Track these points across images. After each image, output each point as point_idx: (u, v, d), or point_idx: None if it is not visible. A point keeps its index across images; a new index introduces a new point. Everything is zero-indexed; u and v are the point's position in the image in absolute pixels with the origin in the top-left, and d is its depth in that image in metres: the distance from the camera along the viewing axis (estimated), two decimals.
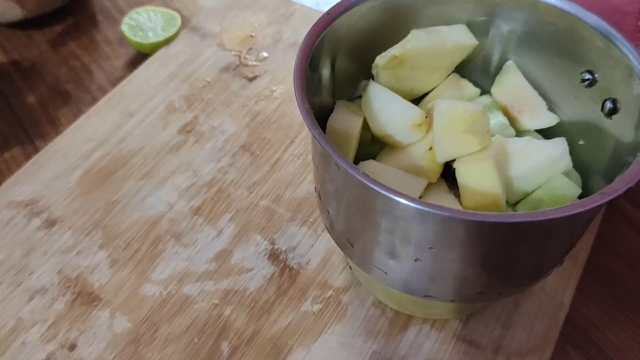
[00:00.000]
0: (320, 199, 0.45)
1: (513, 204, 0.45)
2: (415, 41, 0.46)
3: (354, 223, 0.41)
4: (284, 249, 0.54)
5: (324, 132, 0.44)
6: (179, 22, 0.73)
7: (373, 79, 0.47)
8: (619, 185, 0.34)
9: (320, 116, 0.45)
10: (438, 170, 0.44)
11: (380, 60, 0.46)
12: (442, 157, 0.43)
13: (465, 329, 0.49)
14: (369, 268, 0.43)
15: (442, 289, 0.41)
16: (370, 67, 0.47)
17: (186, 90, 0.66)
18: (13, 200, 0.57)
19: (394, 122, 0.45)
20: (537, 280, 0.43)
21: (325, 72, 0.46)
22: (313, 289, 0.51)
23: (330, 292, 0.51)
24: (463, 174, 0.41)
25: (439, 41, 0.47)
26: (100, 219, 0.55)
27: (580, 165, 0.46)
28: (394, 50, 0.46)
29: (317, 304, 0.51)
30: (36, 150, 0.63)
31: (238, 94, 0.66)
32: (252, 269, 0.52)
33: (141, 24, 0.72)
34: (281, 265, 0.53)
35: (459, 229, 0.35)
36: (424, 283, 0.41)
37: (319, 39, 0.42)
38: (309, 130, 0.37)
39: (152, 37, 0.71)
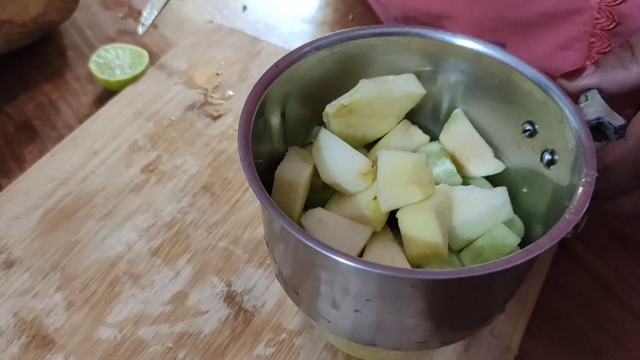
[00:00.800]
0: (267, 246, 0.46)
1: (457, 251, 0.46)
2: (363, 91, 0.47)
3: (297, 273, 0.42)
4: (240, 291, 0.54)
5: (273, 180, 0.46)
6: (146, 59, 0.75)
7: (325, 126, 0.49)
8: (545, 242, 0.36)
9: (271, 163, 0.47)
10: (382, 219, 0.45)
11: (330, 109, 0.48)
12: (385, 207, 0.44)
13: None
14: (315, 316, 0.44)
15: (385, 338, 0.42)
16: (322, 117, 0.49)
17: (151, 129, 0.67)
18: None
19: (342, 171, 0.46)
20: (478, 329, 0.44)
21: (275, 120, 0.47)
22: (267, 332, 0.52)
23: (284, 335, 0.52)
24: (405, 224, 0.43)
25: (387, 90, 0.48)
26: (58, 260, 0.56)
27: (524, 212, 0.47)
28: (343, 100, 0.47)
29: (270, 347, 0.51)
30: (0, 188, 0.63)
31: (202, 132, 0.67)
32: (207, 312, 0.53)
33: (109, 62, 0.74)
34: (236, 307, 0.54)
35: (391, 284, 0.36)
36: (366, 333, 0.42)
37: (268, 90, 0.44)
38: (250, 186, 0.38)
39: (120, 75, 0.72)
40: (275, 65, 0.45)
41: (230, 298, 0.54)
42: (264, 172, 0.46)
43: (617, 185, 0.45)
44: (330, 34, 0.47)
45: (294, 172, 0.46)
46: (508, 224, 0.46)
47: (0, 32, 0.73)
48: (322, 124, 0.49)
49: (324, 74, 0.48)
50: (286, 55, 0.46)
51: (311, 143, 0.50)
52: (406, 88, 0.49)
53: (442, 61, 0.49)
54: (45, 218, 0.59)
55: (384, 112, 0.49)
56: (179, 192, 0.62)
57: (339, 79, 0.49)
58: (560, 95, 0.43)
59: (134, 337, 0.51)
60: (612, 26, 0.52)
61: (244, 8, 0.88)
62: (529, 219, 0.47)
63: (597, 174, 0.39)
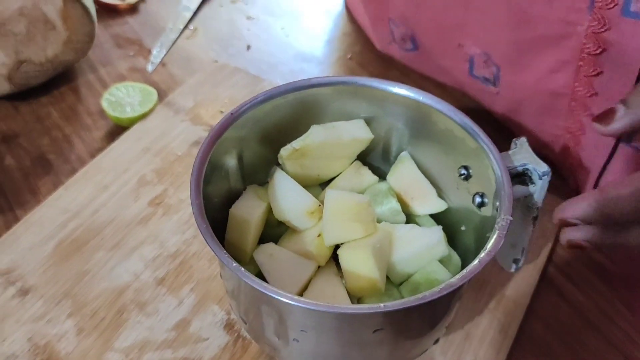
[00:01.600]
0: (221, 276, 0.50)
1: (398, 285, 0.50)
2: (313, 136, 0.52)
3: (242, 303, 0.46)
4: None
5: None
6: (155, 97, 0.79)
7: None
8: (457, 281, 0.39)
9: (228, 201, 0.51)
10: (326, 254, 0.49)
11: (284, 152, 0.52)
12: (328, 241, 0.48)
13: None
14: (261, 343, 0.48)
15: None
16: (278, 159, 0.53)
17: (158, 163, 0.72)
18: None
19: (292, 209, 0.50)
20: (411, 357, 0.48)
21: (231, 162, 0.51)
22: (264, 359, 0.56)
23: None
24: (345, 260, 0.47)
25: (336, 135, 0.53)
26: (70, 288, 0.60)
27: (463, 249, 0.52)
28: (295, 144, 0.52)
29: None
30: (16, 218, 0.68)
31: None
32: (208, 338, 0.57)
33: (120, 99, 0.78)
34: (235, 335, 0.57)
35: (318, 317, 0.40)
36: None
37: (223, 137, 0.48)
38: (196, 223, 0.42)
39: (130, 112, 0.77)
40: (231, 113, 0.49)
41: (229, 326, 0.58)
42: (223, 210, 0.51)
43: (626, 217, 0.47)
44: (283, 84, 0.52)
45: (248, 209, 0.50)
46: (446, 259, 0.50)
47: (19, 70, 0.78)
48: (278, 165, 0.54)
49: (279, 119, 0.53)
50: (241, 104, 0.50)
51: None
52: (355, 133, 0.53)
53: (388, 108, 0.53)
54: (58, 248, 0.63)
55: (335, 154, 0.54)
56: (184, 225, 0.66)
57: (295, 123, 0.53)
58: (488, 144, 0.47)
59: None
60: (598, 51, 0.56)
61: (248, 47, 0.93)
62: (467, 255, 0.51)
63: (511, 219, 0.43)
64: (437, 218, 0.54)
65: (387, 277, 0.49)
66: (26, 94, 0.82)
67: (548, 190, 0.49)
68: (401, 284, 0.50)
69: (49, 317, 0.58)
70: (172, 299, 0.59)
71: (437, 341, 0.48)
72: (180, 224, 0.66)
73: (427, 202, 0.53)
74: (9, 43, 0.75)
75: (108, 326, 0.57)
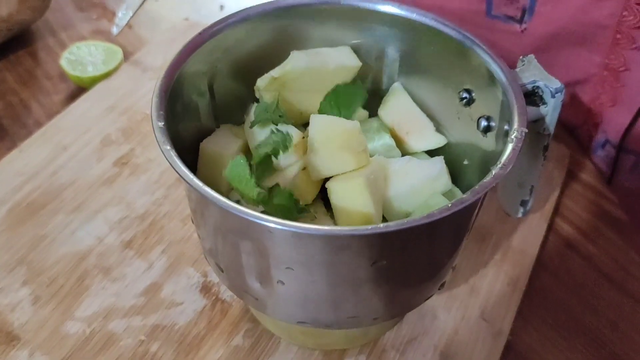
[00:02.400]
0: (193, 222, 0.43)
1: None
2: (294, 62, 0.45)
3: (219, 246, 0.40)
4: (216, 281, 0.52)
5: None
6: (120, 55, 0.73)
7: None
8: (468, 196, 0.34)
9: (198, 141, 0.45)
10: (313, 190, 0.43)
11: (261, 82, 0.46)
12: (316, 175, 0.42)
13: (402, 359, 0.48)
14: (241, 294, 0.41)
15: (312, 313, 0.39)
16: (254, 91, 0.47)
17: (124, 122, 0.65)
18: None
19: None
20: (409, 305, 0.42)
21: (202, 95, 0.45)
22: (245, 323, 0.49)
23: (262, 325, 0.49)
24: (335, 194, 0.40)
25: (320, 62, 0.46)
26: (25, 255, 0.53)
27: (467, 185, 0.45)
28: (274, 72, 0.46)
29: (249, 337, 0.48)
30: None
31: None
32: (182, 303, 0.50)
33: (81, 58, 0.71)
34: (213, 298, 0.51)
35: (308, 245, 0.34)
36: (293, 308, 0.39)
37: (189, 60, 0.42)
38: (159, 148, 0.35)
39: (92, 71, 0.70)
40: (199, 33, 0.43)
41: (206, 289, 0.51)
42: (193, 153, 0.44)
43: None
44: (258, 4, 0.45)
45: (221, 145, 0.44)
46: (448, 195, 0.44)
47: None
48: (256, 101, 0.47)
49: (254, 47, 0.46)
50: (211, 24, 0.44)
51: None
52: (341, 60, 0.47)
53: (377, 32, 0.47)
54: (12, 213, 0.56)
55: (319, 86, 0.47)
56: (153, 184, 0.59)
57: (271, 52, 0.47)
58: (491, 56, 0.42)
59: (104, 330, 0.48)
60: None
61: (221, 7, 0.87)
62: None
63: (526, 130, 0.37)
64: (434, 155, 0.48)
65: (383, 217, 0.43)
66: None
67: (555, 135, 0.43)
68: None
69: (0, 286, 0.51)
70: (140, 263, 0.53)
71: (442, 286, 0.42)
72: (149, 184, 0.59)
73: (424, 137, 0.47)
74: None
75: (68, 294, 0.51)
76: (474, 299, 0.51)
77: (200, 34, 0.43)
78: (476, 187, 0.34)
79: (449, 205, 0.32)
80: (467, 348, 0.48)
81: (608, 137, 0.63)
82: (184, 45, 0.42)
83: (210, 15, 0.86)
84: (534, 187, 0.49)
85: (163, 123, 0.37)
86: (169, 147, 0.35)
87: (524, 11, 0.63)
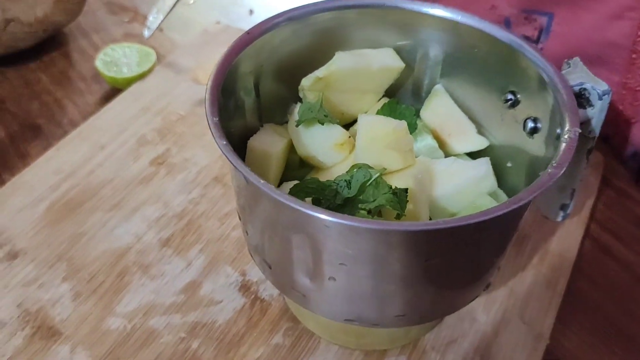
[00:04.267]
0: (240, 218, 0.43)
1: None
2: (339, 62, 0.46)
3: (268, 242, 0.40)
4: (255, 280, 0.52)
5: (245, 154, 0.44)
6: (154, 57, 0.73)
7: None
8: (524, 194, 0.34)
9: (244, 139, 0.45)
10: None
11: (306, 82, 0.46)
12: None
13: None
14: (288, 291, 0.41)
15: (361, 311, 0.39)
16: (298, 91, 0.47)
17: (159, 123, 0.65)
18: None
19: (317, 143, 0.44)
20: (458, 303, 0.42)
21: (249, 94, 0.46)
22: (285, 322, 0.49)
23: (303, 324, 0.49)
24: None
25: (364, 63, 0.47)
26: (65, 251, 0.53)
27: (510, 187, 0.46)
28: (319, 72, 0.46)
29: (289, 336, 0.48)
30: (3, 183, 0.61)
31: None
32: (221, 301, 0.50)
33: (116, 60, 0.72)
34: (252, 297, 0.51)
35: (363, 240, 0.34)
36: (342, 305, 0.39)
37: (238, 58, 0.42)
38: (216, 142, 0.36)
39: (127, 72, 0.71)
40: (247, 32, 0.43)
41: (245, 287, 0.51)
42: (237, 147, 0.44)
43: None
44: (303, 5, 0.46)
45: (268, 143, 0.44)
46: (492, 197, 0.44)
47: (6, 30, 0.72)
48: (299, 101, 0.48)
49: (298, 47, 0.47)
50: (258, 24, 0.44)
51: (287, 122, 0.48)
52: (384, 61, 0.47)
53: (420, 34, 0.48)
54: (51, 210, 0.57)
55: (362, 87, 0.48)
56: (190, 184, 0.59)
57: (314, 53, 0.47)
58: (539, 57, 0.42)
59: (145, 327, 0.49)
60: None
61: (251, 12, 0.88)
62: (515, 194, 0.45)
63: (580, 130, 0.37)
64: (475, 157, 0.48)
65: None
66: (14, 58, 0.76)
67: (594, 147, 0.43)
68: None
69: (41, 281, 0.51)
70: (179, 261, 0.53)
71: (488, 286, 0.42)
72: (186, 183, 0.59)
73: (466, 139, 0.47)
74: None
75: (108, 290, 0.51)
76: (513, 302, 0.51)
77: (248, 33, 0.44)
78: (532, 185, 0.34)
79: (507, 203, 0.32)
80: (507, 351, 0.48)
81: (636, 150, 0.63)
82: (232, 44, 0.43)
83: (239, 19, 0.86)
84: (574, 191, 0.49)
85: (217, 118, 0.37)
86: (225, 142, 0.36)
87: (540, 31, 0.64)
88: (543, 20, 0.62)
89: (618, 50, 0.58)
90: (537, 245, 0.55)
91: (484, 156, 0.47)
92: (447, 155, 0.48)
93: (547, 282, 0.52)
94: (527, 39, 0.64)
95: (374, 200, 0.37)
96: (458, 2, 0.71)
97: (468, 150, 0.48)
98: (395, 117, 0.46)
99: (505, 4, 0.65)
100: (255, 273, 0.52)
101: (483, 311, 0.50)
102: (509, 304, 0.51)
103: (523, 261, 0.54)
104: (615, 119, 0.64)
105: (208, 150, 0.63)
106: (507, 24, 0.66)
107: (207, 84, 0.40)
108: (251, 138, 0.45)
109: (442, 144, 0.48)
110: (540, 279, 0.52)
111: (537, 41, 0.65)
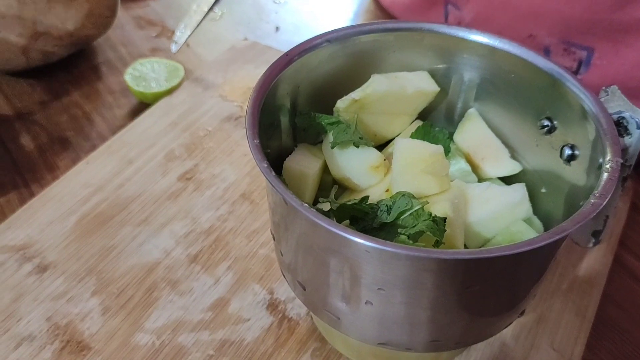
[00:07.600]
0: (274, 239, 0.43)
1: None
2: (375, 85, 0.46)
3: (304, 263, 0.40)
4: (283, 298, 0.52)
5: (281, 174, 0.44)
6: (182, 73, 0.74)
7: None
8: (568, 225, 0.34)
9: (279, 159, 0.45)
10: None
11: (341, 103, 0.46)
12: None
13: None
14: (321, 313, 0.41)
15: (395, 335, 0.39)
16: (333, 112, 0.47)
17: (187, 139, 0.66)
18: (5, 244, 0.55)
19: (352, 165, 0.44)
20: (494, 329, 0.41)
21: (285, 115, 0.46)
22: (313, 342, 0.49)
23: (330, 345, 0.49)
24: None
25: (399, 86, 0.47)
26: (94, 265, 0.54)
27: (544, 213, 0.45)
28: (355, 94, 0.46)
29: (316, 357, 0.48)
30: (32, 195, 0.62)
31: (239, 143, 0.66)
32: (249, 319, 0.50)
33: (144, 75, 0.73)
34: (280, 315, 0.51)
35: (404, 267, 0.34)
36: (376, 329, 0.39)
37: (277, 79, 0.43)
38: (257, 165, 0.36)
39: (155, 87, 0.72)
40: (286, 54, 0.44)
41: (273, 306, 0.51)
42: (272, 166, 0.45)
43: None
44: (341, 27, 0.46)
45: (304, 163, 0.45)
46: (527, 223, 0.44)
47: (37, 43, 0.72)
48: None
49: (335, 69, 0.47)
50: (297, 45, 0.45)
51: (321, 142, 0.48)
52: (419, 85, 0.48)
53: (456, 58, 0.48)
54: (80, 224, 0.57)
55: (397, 109, 0.48)
56: (218, 200, 0.60)
57: (350, 75, 0.48)
58: (580, 87, 0.42)
59: (173, 343, 0.49)
60: None
61: (277, 29, 0.89)
62: (549, 221, 0.45)
63: (622, 160, 0.37)
64: (508, 182, 0.48)
65: None
66: (43, 71, 0.77)
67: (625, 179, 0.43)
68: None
69: (70, 295, 0.51)
70: (207, 278, 0.53)
71: (522, 313, 0.42)
72: (214, 200, 0.60)
73: (499, 163, 0.47)
74: (27, 12, 0.70)
75: (137, 305, 0.51)
76: (543, 328, 0.51)
77: (286, 54, 0.44)
78: (575, 215, 0.34)
79: (549, 234, 0.32)
80: None
81: None
82: (270, 65, 0.43)
83: (266, 36, 0.87)
84: (607, 218, 0.48)
85: (258, 140, 0.37)
86: (266, 164, 0.36)
87: (580, 63, 0.64)
88: (582, 54, 0.62)
89: None
90: (566, 272, 0.54)
91: (517, 181, 0.47)
92: (480, 179, 0.48)
93: (576, 309, 0.52)
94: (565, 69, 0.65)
95: (414, 226, 0.37)
96: (494, 29, 0.71)
97: (501, 175, 0.48)
98: (429, 140, 0.47)
99: (544, 33, 0.65)
100: (283, 291, 0.52)
101: (512, 337, 0.50)
102: (538, 330, 0.50)
103: (552, 287, 0.53)
104: None
105: (236, 167, 0.63)
106: (546, 52, 0.66)
107: (247, 105, 0.40)
108: (287, 158, 0.45)
109: (475, 168, 0.48)
110: (569, 305, 0.52)
111: (576, 72, 0.65)
